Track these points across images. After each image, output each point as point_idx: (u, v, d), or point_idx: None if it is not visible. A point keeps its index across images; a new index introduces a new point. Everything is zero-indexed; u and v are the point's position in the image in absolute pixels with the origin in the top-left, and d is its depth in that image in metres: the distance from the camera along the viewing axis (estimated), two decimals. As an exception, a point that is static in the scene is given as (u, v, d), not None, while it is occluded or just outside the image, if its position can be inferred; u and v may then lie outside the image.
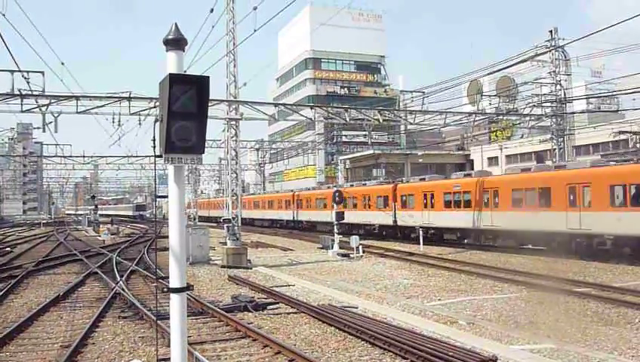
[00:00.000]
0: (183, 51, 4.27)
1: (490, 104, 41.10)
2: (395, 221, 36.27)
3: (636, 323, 11.90)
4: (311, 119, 31.17)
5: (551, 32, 34.62)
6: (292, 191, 56.49)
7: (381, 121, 31.87)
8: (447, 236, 32.62)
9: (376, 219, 38.54)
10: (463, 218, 30.22)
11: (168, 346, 4.65)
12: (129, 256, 27.95)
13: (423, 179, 35.91)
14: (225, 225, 26.27)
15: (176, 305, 4.29)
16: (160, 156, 4.16)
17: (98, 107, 24.51)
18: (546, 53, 34.52)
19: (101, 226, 57.62)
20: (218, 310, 13.18)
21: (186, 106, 4.04)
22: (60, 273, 22.83)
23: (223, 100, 25.90)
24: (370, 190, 40.41)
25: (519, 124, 39.33)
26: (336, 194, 30.39)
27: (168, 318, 4.43)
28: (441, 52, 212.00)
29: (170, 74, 4.06)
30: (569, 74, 37.20)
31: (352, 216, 39.50)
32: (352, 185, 45.22)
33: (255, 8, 21.35)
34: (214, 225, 54.50)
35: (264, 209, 61.59)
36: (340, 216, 29.35)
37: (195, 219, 58.11)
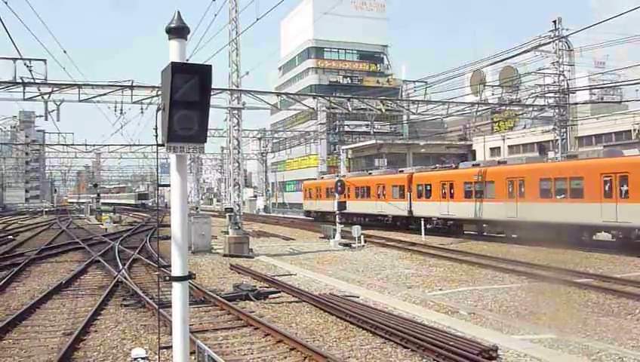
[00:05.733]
0: (186, 40, 4.26)
1: (493, 94, 40.94)
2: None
3: (637, 314, 11.92)
4: (313, 109, 31.12)
5: (555, 22, 34.44)
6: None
7: (383, 110, 31.77)
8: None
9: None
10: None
11: (170, 334, 4.68)
12: (131, 245, 28.03)
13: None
14: (227, 214, 26.32)
15: (178, 293, 4.31)
16: (162, 145, 4.17)
17: (100, 95, 24.46)
18: (549, 43, 34.35)
19: (103, 215, 57.69)
20: (220, 299, 13.23)
21: (188, 95, 4.04)
22: (63, 261, 22.89)
23: (226, 89, 25.84)
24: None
25: (522, 114, 39.30)
26: (339, 184, 30.37)
27: (170, 307, 4.46)
28: (443, 43, 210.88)
29: (172, 62, 4.05)
30: (572, 64, 37.08)
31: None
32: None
33: (257, -4, 21.23)
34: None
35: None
36: (341, 205, 29.36)
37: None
